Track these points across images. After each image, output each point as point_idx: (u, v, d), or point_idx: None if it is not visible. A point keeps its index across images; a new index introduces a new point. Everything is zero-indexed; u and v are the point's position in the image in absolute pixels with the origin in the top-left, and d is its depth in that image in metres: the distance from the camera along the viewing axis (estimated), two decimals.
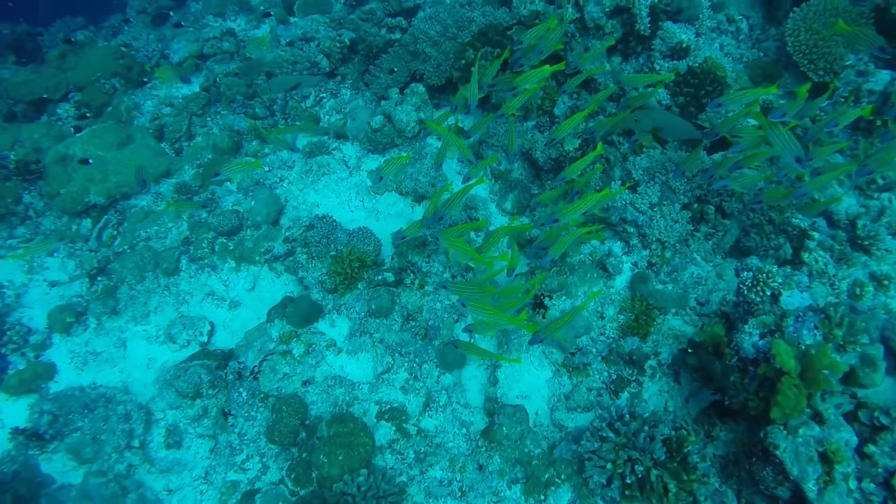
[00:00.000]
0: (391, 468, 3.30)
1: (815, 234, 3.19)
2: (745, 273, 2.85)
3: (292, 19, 6.48)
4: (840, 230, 3.34)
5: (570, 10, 4.45)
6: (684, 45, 4.42)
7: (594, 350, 3.59)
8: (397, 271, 3.92)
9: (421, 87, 4.79)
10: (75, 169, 5.09)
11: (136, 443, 3.60)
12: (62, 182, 5.06)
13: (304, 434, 3.38)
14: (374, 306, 3.72)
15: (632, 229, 3.87)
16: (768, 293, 2.75)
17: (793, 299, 2.75)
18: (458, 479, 3.29)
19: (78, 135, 5.31)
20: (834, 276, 3.07)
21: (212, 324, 4.18)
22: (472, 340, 3.69)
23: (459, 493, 3.24)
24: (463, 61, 4.51)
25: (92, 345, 4.10)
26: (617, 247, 3.91)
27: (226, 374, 3.65)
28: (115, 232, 5.00)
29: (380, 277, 3.84)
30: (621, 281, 3.80)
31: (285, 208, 4.57)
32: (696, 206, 3.82)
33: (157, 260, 4.39)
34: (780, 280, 2.75)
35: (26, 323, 4.40)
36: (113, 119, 5.84)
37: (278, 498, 3.19)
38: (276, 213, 4.46)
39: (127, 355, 4.11)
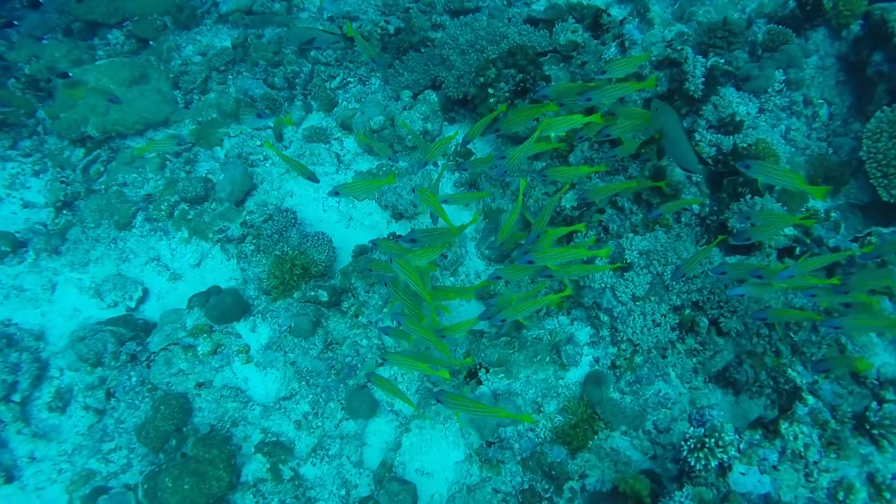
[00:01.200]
0: None
1: (810, 399, 2.51)
2: (693, 429, 2.23)
3: None
4: (845, 404, 2.61)
5: (612, 48, 3.86)
6: (737, 119, 3.73)
7: (516, 447, 3.05)
8: (336, 291, 3.52)
9: (434, 96, 4.34)
10: (82, 96, 5.00)
11: (17, 397, 3.41)
12: (65, 106, 4.98)
13: (174, 442, 3.06)
14: (293, 324, 3.34)
15: (605, 318, 3.28)
16: (714, 463, 2.14)
17: (747, 479, 2.13)
18: None
19: (96, 63, 5.23)
20: (815, 463, 2.37)
21: (145, 290, 3.95)
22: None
23: None
24: (482, 79, 4.01)
25: (21, 279, 3.96)
26: (583, 334, 3.33)
27: (119, 352, 3.38)
28: (103, 169, 4.88)
29: (313, 294, 3.44)
30: (575, 375, 3.22)
31: (256, 190, 4.26)
32: (688, 311, 3.19)
33: (112, 210, 4.19)
34: (734, 451, 2.13)
35: None
36: (154, 55, 5.73)
37: None
38: (242, 192, 4.15)
39: (54, 300, 3.94)
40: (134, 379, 3.32)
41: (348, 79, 5.33)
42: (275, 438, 3.15)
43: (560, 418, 3.09)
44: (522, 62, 3.93)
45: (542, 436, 3.06)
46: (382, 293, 3.45)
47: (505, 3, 6.11)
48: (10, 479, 3.19)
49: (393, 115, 4.33)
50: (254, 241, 3.77)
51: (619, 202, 3.70)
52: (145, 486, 2.94)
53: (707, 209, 3.69)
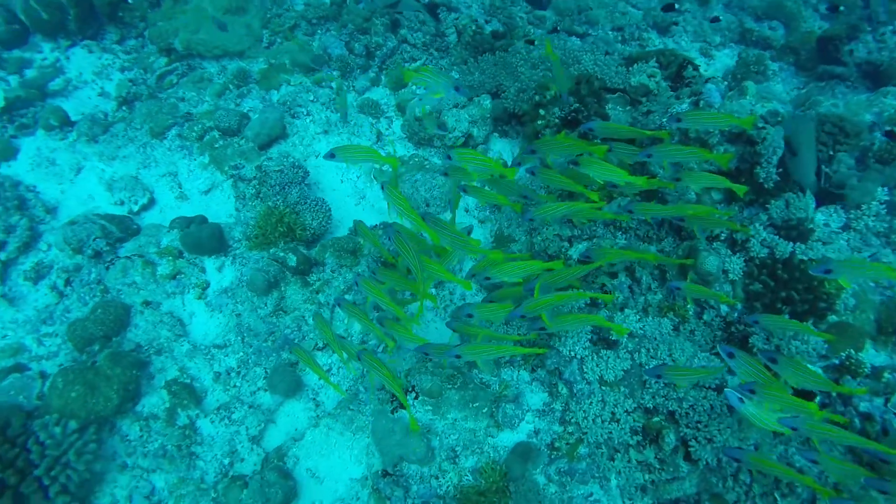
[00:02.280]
0: (130, 440, 2.82)
1: None
2: None
3: None
4: None
5: (685, 104, 3.39)
6: (807, 228, 3.15)
7: (413, 489, 2.72)
8: (308, 261, 3.36)
9: (487, 102, 4.07)
10: (182, 11, 5.24)
11: (2, 255, 3.55)
12: (165, 17, 5.24)
13: (97, 347, 3.04)
14: (249, 277, 3.21)
15: (563, 390, 2.86)
16: None
17: None
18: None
19: None
20: None
21: (152, 200, 4.01)
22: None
23: None
24: (537, 97, 3.69)
25: (56, 154, 4.16)
26: (535, 398, 2.92)
27: (82, 248, 3.42)
28: (176, 81, 5.08)
29: (282, 255, 3.31)
30: (508, 439, 2.82)
31: (286, 140, 4.21)
32: (657, 419, 2.69)
33: (156, 118, 4.31)
34: None
35: (53, 104, 4.57)
36: None
37: (22, 390, 2.89)
38: (269, 137, 4.12)
39: (75, 182, 4.11)
40: (93, 275, 3.36)
41: (428, 63, 5.19)
42: (188, 381, 3.04)
43: (470, 478, 2.72)
44: (584, 92, 3.56)
45: (445, 490, 2.71)
46: (348, 279, 3.25)
47: (619, 39, 5.72)
48: None
49: (441, 109, 4.12)
50: (257, 185, 3.71)
51: (639, 273, 3.25)
52: (52, 381, 2.93)
53: (736, 314, 3.15)
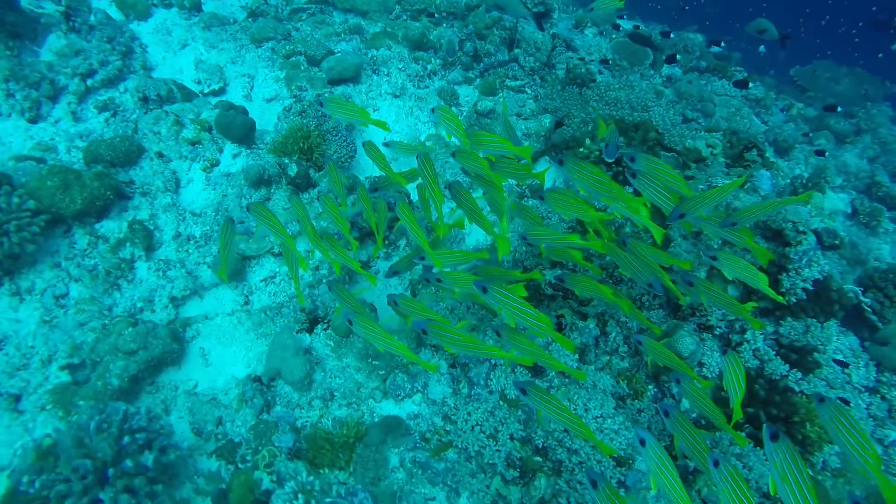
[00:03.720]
0: (74, 248, 3.00)
1: None
2: None
3: (606, 27, 6.14)
4: None
5: (728, 180, 3.10)
6: (814, 360, 2.72)
7: (276, 408, 2.60)
8: (309, 180, 3.46)
9: (547, 120, 4.02)
10: None
11: (88, 81, 4.00)
12: None
13: (99, 168, 3.29)
14: (247, 165, 3.36)
15: (465, 389, 2.62)
16: None
17: None
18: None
19: None
20: None
21: (223, 89, 4.37)
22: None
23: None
24: (587, 127, 3.57)
25: (173, 29, 4.68)
26: (434, 388, 2.70)
27: (146, 97, 3.78)
28: (304, 18, 5.56)
29: (287, 161, 3.43)
30: (386, 408, 2.63)
31: (355, 87, 4.43)
32: (537, 459, 2.37)
33: (266, 31, 4.72)
34: None
35: None
36: None
37: (27, 174, 3.18)
38: (339, 76, 4.35)
39: (178, 54, 4.58)
40: (134, 115, 3.69)
41: (527, 89, 5.24)
42: (151, 228, 3.20)
43: (329, 425, 2.55)
44: (637, 139, 3.39)
45: (302, 424, 2.57)
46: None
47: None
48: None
49: (493, 112, 4.13)
50: (306, 107, 3.91)
51: (610, 327, 2.96)
52: (41, 169, 3.15)
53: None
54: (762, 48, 8.45)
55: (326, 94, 2.72)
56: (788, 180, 4.07)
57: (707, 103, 5.54)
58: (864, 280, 3.43)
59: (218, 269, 2.49)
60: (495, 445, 2.38)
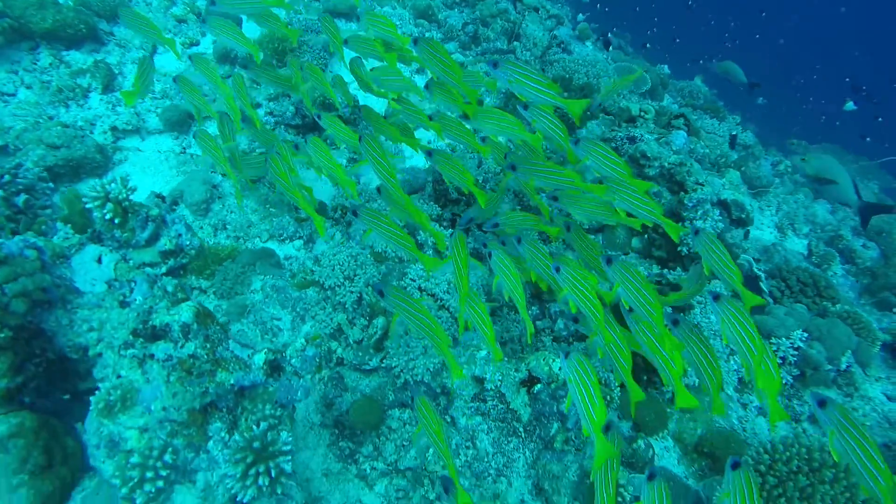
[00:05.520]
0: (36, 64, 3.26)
1: None
2: None
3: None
4: None
5: (651, 138, 3.24)
6: (690, 303, 2.78)
7: (169, 219, 2.76)
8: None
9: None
10: None
11: None
12: None
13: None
14: (215, 48, 3.65)
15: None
16: None
17: None
18: None
19: None
20: None
21: None
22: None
23: None
24: None
25: None
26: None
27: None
28: None
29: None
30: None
31: (348, 21, 4.77)
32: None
33: None
34: None
35: None
36: None
37: None
38: (333, 8, 4.72)
39: None
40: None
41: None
42: (117, 72, 3.47)
43: (213, 243, 2.69)
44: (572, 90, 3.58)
45: (181, 245, 2.71)
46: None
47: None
48: None
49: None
50: (290, 21, 4.23)
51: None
52: None
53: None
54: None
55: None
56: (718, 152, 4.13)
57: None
58: (773, 271, 3.50)
59: (129, 93, 2.59)
60: (350, 286, 2.48)
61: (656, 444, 2.58)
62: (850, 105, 6.11)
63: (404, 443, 2.21)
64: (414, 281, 2.53)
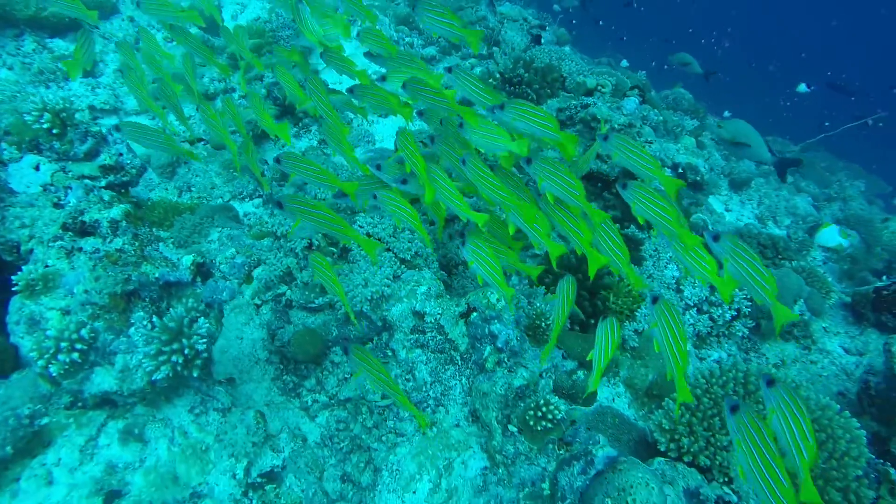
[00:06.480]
0: None
1: None
2: None
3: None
4: None
5: (601, 102, 3.35)
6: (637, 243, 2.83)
7: None
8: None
9: (479, 70, 4.40)
10: None
11: None
12: None
13: None
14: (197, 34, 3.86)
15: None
16: None
17: None
18: None
19: None
20: None
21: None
22: None
23: None
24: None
25: None
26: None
27: None
28: None
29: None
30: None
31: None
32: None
33: None
34: None
35: None
36: None
37: None
38: None
39: None
40: None
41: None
42: (98, 60, 3.68)
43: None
44: (544, 77, 3.72)
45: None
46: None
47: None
48: None
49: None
50: (270, 18, 4.47)
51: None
52: None
53: None
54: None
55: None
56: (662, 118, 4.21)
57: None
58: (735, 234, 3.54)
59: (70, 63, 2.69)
60: (301, 233, 2.56)
61: (607, 389, 2.59)
62: (802, 87, 6.22)
63: (346, 376, 2.25)
64: (362, 227, 2.61)
